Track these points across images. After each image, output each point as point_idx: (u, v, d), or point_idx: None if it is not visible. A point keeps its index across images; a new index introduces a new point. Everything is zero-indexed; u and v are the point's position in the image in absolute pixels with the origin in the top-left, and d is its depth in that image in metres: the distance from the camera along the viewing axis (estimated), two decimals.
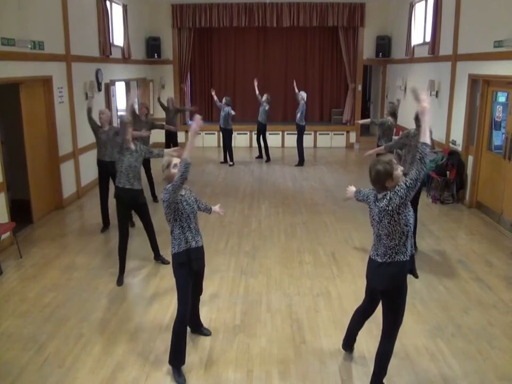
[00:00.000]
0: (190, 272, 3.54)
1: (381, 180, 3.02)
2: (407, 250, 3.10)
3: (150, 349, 3.86)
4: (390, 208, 2.99)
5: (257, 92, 11.20)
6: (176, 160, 3.44)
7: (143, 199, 5.26)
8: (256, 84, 11.18)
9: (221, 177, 9.84)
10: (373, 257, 3.23)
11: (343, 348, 3.79)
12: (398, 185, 3.01)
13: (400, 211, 2.99)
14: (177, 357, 3.53)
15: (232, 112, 10.70)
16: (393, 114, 7.61)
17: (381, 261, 3.14)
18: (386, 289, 3.16)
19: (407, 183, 2.97)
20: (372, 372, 3.34)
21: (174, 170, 3.41)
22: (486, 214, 7.24)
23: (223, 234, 6.45)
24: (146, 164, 7.76)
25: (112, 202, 6.69)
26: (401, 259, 3.09)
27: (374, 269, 3.22)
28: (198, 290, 3.86)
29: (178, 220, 3.45)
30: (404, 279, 3.15)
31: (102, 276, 5.20)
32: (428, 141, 3.07)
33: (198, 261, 3.61)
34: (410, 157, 5.63)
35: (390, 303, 3.20)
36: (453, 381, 3.47)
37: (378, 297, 3.37)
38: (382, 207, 3.04)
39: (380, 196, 3.09)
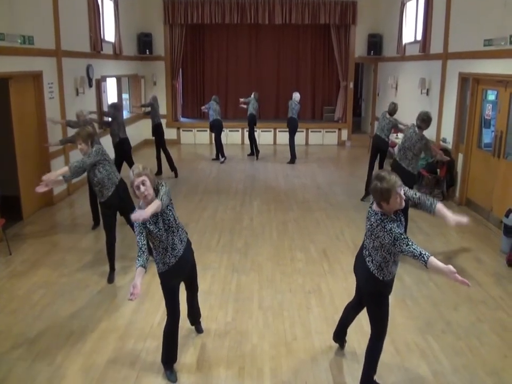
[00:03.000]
0: (174, 284, 3.44)
1: (376, 196, 2.91)
2: (386, 271, 3.06)
3: (141, 346, 3.85)
4: (378, 232, 2.92)
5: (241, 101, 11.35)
6: (138, 181, 3.08)
7: (129, 197, 4.99)
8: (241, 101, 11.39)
9: (213, 175, 9.82)
10: (360, 251, 3.26)
11: (334, 340, 3.80)
12: (393, 233, 2.83)
13: (377, 237, 2.95)
14: (169, 357, 3.52)
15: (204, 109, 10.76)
16: (391, 114, 7.90)
17: (365, 257, 3.15)
18: (365, 290, 3.22)
19: (397, 246, 2.82)
20: (362, 368, 3.36)
21: (138, 192, 3.11)
22: (475, 211, 7.31)
23: (215, 231, 6.44)
24: (129, 160, 7.77)
25: None
26: (379, 277, 3.07)
27: (360, 261, 3.23)
28: (192, 289, 3.83)
29: (152, 245, 3.33)
30: (383, 295, 3.16)
31: (92, 273, 5.17)
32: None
33: (180, 274, 3.46)
34: (402, 153, 5.73)
35: (369, 305, 3.25)
36: (442, 377, 3.51)
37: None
38: (371, 221, 2.99)
39: (375, 207, 2.99)
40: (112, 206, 4.92)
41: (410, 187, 5.82)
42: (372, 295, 3.20)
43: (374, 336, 3.27)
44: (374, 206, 3.02)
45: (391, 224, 2.88)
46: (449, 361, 3.68)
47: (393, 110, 7.82)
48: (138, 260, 3.13)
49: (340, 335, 3.78)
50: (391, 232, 2.85)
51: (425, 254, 2.79)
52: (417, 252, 2.79)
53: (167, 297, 3.45)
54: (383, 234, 2.89)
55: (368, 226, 3.05)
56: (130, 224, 5.12)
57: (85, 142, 4.75)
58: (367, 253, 3.13)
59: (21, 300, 4.57)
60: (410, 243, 2.82)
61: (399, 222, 2.97)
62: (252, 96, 11.18)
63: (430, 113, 5.77)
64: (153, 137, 9.54)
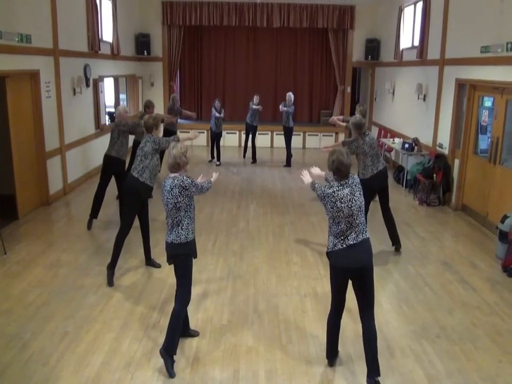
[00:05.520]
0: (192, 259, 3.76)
1: (348, 168, 3.38)
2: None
3: (136, 348, 3.83)
4: (359, 181, 3.42)
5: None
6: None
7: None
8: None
9: (209, 176, 9.78)
10: (343, 246, 3.34)
11: (328, 358, 3.69)
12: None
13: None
14: (174, 345, 3.54)
15: (217, 114, 10.66)
16: (364, 116, 7.82)
17: (353, 242, 3.33)
18: (370, 262, 3.39)
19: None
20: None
21: (185, 160, 3.62)
22: (471, 217, 7.34)
23: (211, 234, 6.43)
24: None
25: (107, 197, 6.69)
26: (368, 236, 3.42)
27: (348, 253, 3.34)
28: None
29: (189, 210, 3.60)
30: None
31: (88, 273, 5.14)
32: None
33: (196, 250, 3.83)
34: (375, 160, 5.68)
35: (370, 276, 3.40)
36: (437, 381, 3.51)
37: (345, 289, 3.50)
38: (355, 179, 3.40)
39: (347, 180, 3.36)
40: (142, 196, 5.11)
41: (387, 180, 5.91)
42: (371, 263, 3.41)
43: (371, 312, 3.42)
44: (349, 181, 3.35)
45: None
46: (444, 365, 3.69)
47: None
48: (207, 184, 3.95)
49: (334, 349, 3.70)
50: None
51: None
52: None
53: (189, 273, 3.66)
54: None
55: (358, 195, 3.33)
56: (143, 217, 5.24)
57: None
58: (363, 229, 3.36)
59: (15, 300, 4.53)
60: None
61: None
62: (257, 102, 10.84)
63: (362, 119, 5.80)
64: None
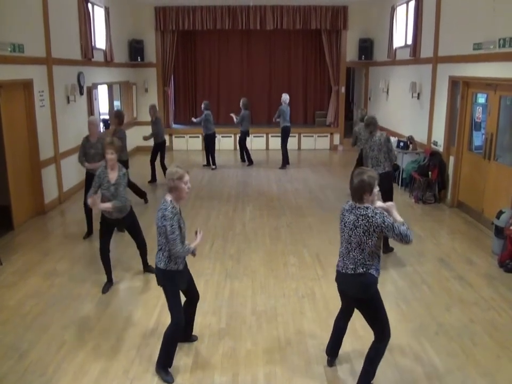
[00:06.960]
0: (181, 287, 3.63)
1: (363, 190, 3.11)
2: (377, 269, 3.22)
3: (134, 355, 3.82)
4: (372, 221, 3.07)
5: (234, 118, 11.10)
6: (188, 177, 3.42)
7: (133, 216, 5.06)
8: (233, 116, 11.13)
9: (205, 180, 9.81)
10: (343, 271, 3.27)
11: (327, 354, 3.71)
12: (381, 214, 3.09)
13: (375, 230, 3.09)
14: (166, 361, 3.52)
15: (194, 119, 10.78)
16: (362, 120, 7.95)
17: (351, 272, 3.21)
18: (359, 298, 3.24)
19: (386, 224, 3.07)
20: (359, 371, 3.35)
21: (184, 186, 3.38)
22: (467, 213, 7.35)
23: (207, 238, 6.41)
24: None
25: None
26: (373, 273, 3.19)
27: (344, 280, 3.29)
28: (194, 296, 3.83)
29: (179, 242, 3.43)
30: (375, 290, 3.24)
31: (84, 282, 5.12)
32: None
33: (184, 279, 3.64)
34: (374, 161, 5.77)
35: (370, 311, 3.27)
36: (436, 379, 3.51)
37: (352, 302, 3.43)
38: (368, 215, 3.09)
39: (357, 205, 3.16)
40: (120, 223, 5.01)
41: (391, 184, 5.86)
42: (373, 297, 3.23)
43: (377, 340, 3.28)
44: (359, 211, 3.12)
45: (380, 215, 3.11)
46: (442, 362, 3.69)
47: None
48: (184, 247, 3.45)
49: (335, 349, 3.70)
50: (381, 219, 3.09)
51: (409, 230, 3.15)
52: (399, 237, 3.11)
53: (172, 295, 3.50)
54: (379, 220, 3.08)
55: (361, 232, 3.10)
56: (133, 236, 5.15)
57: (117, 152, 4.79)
58: (362, 262, 3.16)
59: (12, 311, 4.52)
60: (395, 228, 3.12)
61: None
62: (243, 110, 10.92)
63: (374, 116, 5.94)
64: (153, 148, 9.45)
